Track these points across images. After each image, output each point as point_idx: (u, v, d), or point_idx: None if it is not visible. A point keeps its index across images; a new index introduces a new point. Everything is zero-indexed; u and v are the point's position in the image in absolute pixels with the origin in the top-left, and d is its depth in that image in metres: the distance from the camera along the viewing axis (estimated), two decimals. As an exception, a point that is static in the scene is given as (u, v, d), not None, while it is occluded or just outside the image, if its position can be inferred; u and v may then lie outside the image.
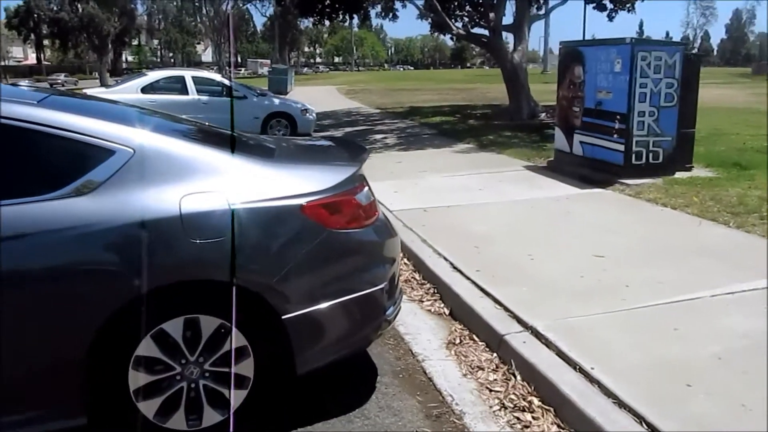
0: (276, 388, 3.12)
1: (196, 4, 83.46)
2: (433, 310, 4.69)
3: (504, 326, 4.03)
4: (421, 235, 6.04)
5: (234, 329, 2.85)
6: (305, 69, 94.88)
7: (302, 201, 2.92)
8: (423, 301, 4.83)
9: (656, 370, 3.41)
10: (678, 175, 8.34)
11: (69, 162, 2.75)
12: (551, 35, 64.37)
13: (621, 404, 3.10)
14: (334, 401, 3.38)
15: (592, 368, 3.41)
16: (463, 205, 7.28)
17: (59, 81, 53.80)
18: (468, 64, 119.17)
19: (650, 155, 8.24)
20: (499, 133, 13.58)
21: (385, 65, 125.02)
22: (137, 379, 2.77)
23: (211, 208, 2.77)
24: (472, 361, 3.87)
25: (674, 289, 4.48)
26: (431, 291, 5.01)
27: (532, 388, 3.48)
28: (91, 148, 2.74)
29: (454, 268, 5.14)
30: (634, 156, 8.19)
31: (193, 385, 2.88)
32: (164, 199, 2.73)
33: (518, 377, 3.60)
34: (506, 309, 4.26)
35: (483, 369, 3.76)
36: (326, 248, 2.97)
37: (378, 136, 14.41)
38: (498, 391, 3.52)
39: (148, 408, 2.81)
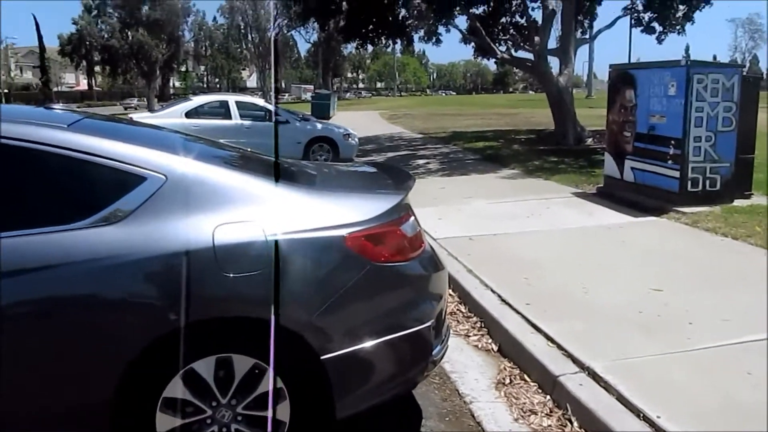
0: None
1: (242, 30, 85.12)
2: (480, 345, 4.42)
3: (558, 366, 3.75)
4: (467, 264, 5.79)
5: (270, 370, 2.65)
6: (348, 94, 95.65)
7: (345, 232, 2.72)
8: (469, 336, 4.57)
9: (729, 418, 3.09)
10: (737, 203, 7.94)
11: (97, 189, 2.61)
12: (595, 59, 63.52)
13: (693, 459, 2.80)
14: (377, 448, 3.15)
15: (658, 416, 3.11)
16: (510, 233, 7.01)
17: (132, 105, 55.90)
18: (510, 89, 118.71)
19: (707, 182, 7.87)
20: (544, 158, 13.27)
21: (428, 90, 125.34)
22: (165, 422, 2.58)
23: (247, 239, 2.59)
24: (524, 403, 3.59)
25: (743, 328, 4.14)
26: (478, 325, 4.74)
27: (591, 436, 3.20)
28: (120, 174, 2.59)
29: (503, 300, 4.87)
30: (690, 183, 7.82)
31: (224, 430, 2.68)
32: (198, 229, 2.56)
33: (575, 424, 3.31)
34: (560, 347, 3.98)
35: (536, 413, 3.48)
36: (369, 283, 2.75)
37: (421, 161, 14.23)
38: (554, 439, 3.24)
39: (177, 453, 2.62)
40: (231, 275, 2.52)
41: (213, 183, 2.70)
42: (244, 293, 2.56)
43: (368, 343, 2.75)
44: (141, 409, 2.55)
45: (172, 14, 63.23)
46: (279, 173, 2.99)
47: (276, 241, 2.59)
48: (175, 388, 2.57)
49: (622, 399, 3.32)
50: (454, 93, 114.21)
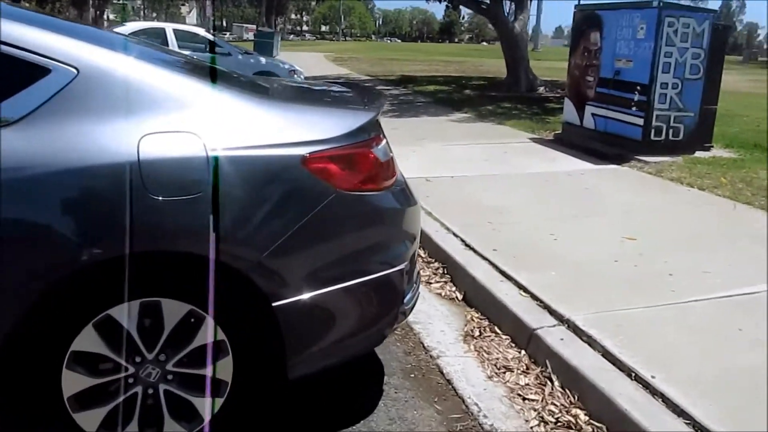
0: (260, 395, 2.40)
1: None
2: (443, 293, 4.00)
3: (534, 318, 3.36)
4: (425, 207, 5.31)
5: (209, 318, 2.13)
6: (291, 36, 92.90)
7: (304, 151, 2.19)
8: (431, 283, 4.14)
9: (733, 381, 2.76)
10: (698, 154, 7.69)
11: None
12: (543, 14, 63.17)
13: (697, 427, 2.45)
14: (333, 410, 2.69)
15: (653, 377, 2.74)
16: (469, 176, 6.57)
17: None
18: (456, 40, 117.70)
19: (670, 131, 7.58)
20: (497, 104, 12.82)
21: (373, 36, 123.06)
22: (74, 382, 2.05)
23: (181, 153, 2.03)
24: (497, 359, 3.20)
25: (727, 281, 3.83)
26: (440, 271, 4.31)
27: (575, 398, 2.82)
28: (15, 62, 1.97)
29: (467, 245, 4.44)
30: (653, 131, 7.53)
31: (150, 391, 2.16)
32: (118, 138, 1.98)
33: (556, 383, 2.93)
34: (534, 297, 3.59)
35: (511, 370, 3.09)
36: (334, 215, 2.24)
37: (369, 103, 13.60)
38: (533, 400, 2.85)
39: (89, 420, 2.10)
40: (160, 199, 1.97)
41: (140, 82, 2.10)
42: (177, 222, 2.01)
43: (329, 288, 2.25)
44: (41, 367, 2.01)
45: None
46: (217, 78, 2.40)
47: (217, 158, 2.04)
48: (87, 340, 2.03)
49: (608, 356, 2.95)
50: (399, 41, 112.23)
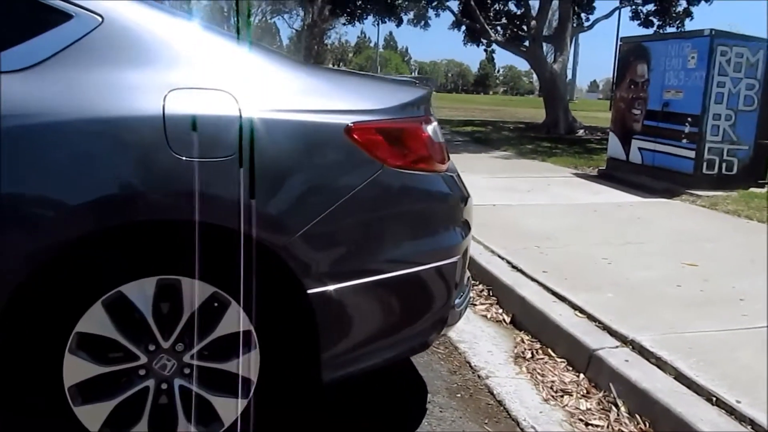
0: (289, 399, 2.09)
1: (225, 13, 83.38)
2: (489, 316, 3.67)
3: (594, 339, 3.01)
4: (468, 230, 5.03)
5: (238, 305, 1.86)
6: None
7: (348, 120, 1.93)
8: (476, 305, 3.81)
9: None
10: (752, 190, 7.28)
11: None
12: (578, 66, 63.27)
13: (796, 457, 2.08)
14: (371, 428, 2.37)
15: (738, 401, 2.38)
16: (512, 204, 6.27)
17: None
18: (491, 92, 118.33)
19: (723, 165, 7.22)
20: (537, 143, 12.57)
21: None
22: (77, 369, 1.77)
23: (211, 112, 1.79)
24: (552, 382, 2.85)
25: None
26: (485, 293, 3.99)
27: (647, 424, 2.46)
28: (34, 4, 1.77)
29: (514, 267, 4.12)
30: (705, 164, 7.17)
31: (164, 386, 1.88)
32: (142, 91, 1.75)
33: (623, 408, 2.58)
34: (591, 317, 3.25)
35: (570, 394, 2.74)
36: (381, 193, 1.97)
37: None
38: (598, 426, 2.50)
39: (92, 416, 1.81)
40: (183, 159, 1.72)
41: (170, 36, 1.89)
42: (202, 188, 1.75)
43: (374, 278, 1.96)
44: (40, 350, 1.74)
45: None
46: (261, 47, 2.17)
47: (252, 120, 1.80)
48: (95, 321, 1.76)
49: (683, 378, 2.60)
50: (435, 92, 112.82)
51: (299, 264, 1.85)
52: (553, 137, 13.94)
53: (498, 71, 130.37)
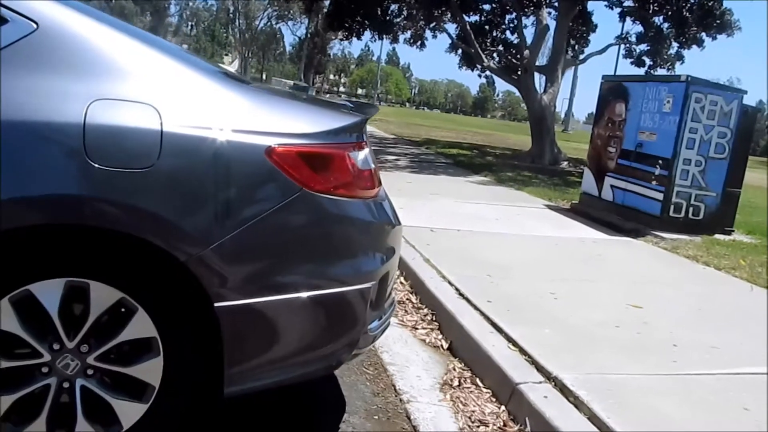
0: (189, 409, 2.13)
1: (230, 15, 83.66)
2: (428, 340, 3.72)
3: (519, 373, 3.07)
4: (424, 254, 5.10)
5: (142, 311, 1.91)
6: (327, 96, 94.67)
7: (272, 141, 1.99)
8: (417, 329, 3.87)
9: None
10: (717, 237, 7.39)
11: None
12: (576, 98, 63.77)
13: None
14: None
15: (643, 448, 2.44)
16: (476, 231, 6.34)
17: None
18: (489, 115, 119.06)
19: (690, 210, 7.32)
20: (518, 171, 12.68)
21: (407, 104, 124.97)
22: (-21, 362, 1.82)
23: (131, 123, 1.85)
24: (473, 411, 2.90)
25: (735, 359, 3.53)
26: (429, 318, 4.05)
27: (553, 462, 2.52)
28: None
29: (461, 295, 4.18)
30: (672, 207, 7.27)
31: (66, 385, 1.92)
32: (65, 98, 1.81)
33: (534, 443, 2.63)
34: (523, 351, 3.31)
35: (486, 425, 2.79)
36: (296, 216, 2.02)
37: (390, 157, 13.51)
38: (506, 460, 2.55)
39: (-9, 408, 1.86)
40: (98, 167, 1.77)
41: (100, 46, 1.94)
42: (117, 197, 1.81)
43: (282, 296, 2.02)
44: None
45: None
46: (187, 61, 2.22)
47: (173, 134, 1.86)
48: (1, 317, 1.81)
49: (595, 419, 2.65)
50: (436, 111, 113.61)
51: (207, 277, 1.91)
52: (535, 167, 14.05)
53: (497, 95, 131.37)
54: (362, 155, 2.25)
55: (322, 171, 2.08)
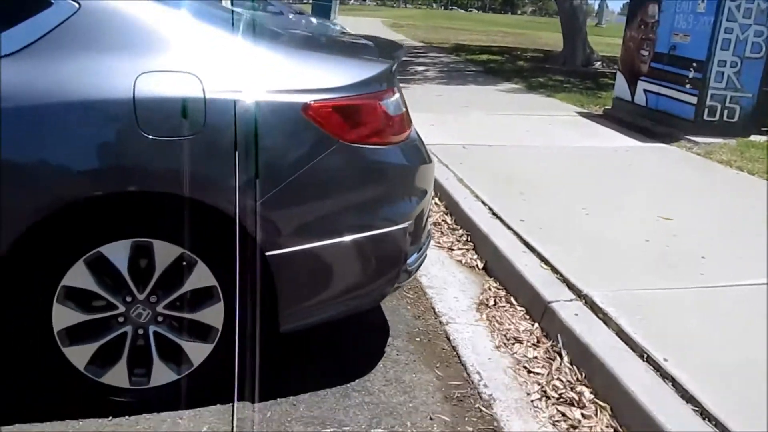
0: (251, 345, 2.37)
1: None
2: (464, 261, 3.91)
3: (551, 291, 3.25)
4: (458, 173, 5.22)
5: (201, 263, 2.11)
6: (352, 2, 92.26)
7: (307, 98, 2.12)
8: (453, 250, 4.06)
9: (752, 372, 2.61)
10: (753, 138, 7.33)
11: None
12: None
13: (703, 413, 2.33)
14: (328, 366, 2.65)
15: (666, 359, 2.62)
16: (507, 146, 6.42)
17: None
18: (519, 12, 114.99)
19: (725, 112, 7.24)
20: (549, 76, 12.50)
21: (434, 5, 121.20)
22: (64, 317, 2.06)
23: (177, 93, 1.99)
24: (508, 330, 3.11)
25: (763, 270, 3.64)
26: (464, 239, 4.22)
27: (583, 375, 2.72)
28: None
29: (494, 214, 4.33)
30: (706, 111, 7.19)
31: (140, 332, 2.16)
32: (114, 75, 1.95)
33: (565, 358, 2.84)
34: (554, 270, 3.47)
35: (521, 342, 3.00)
36: (335, 166, 2.17)
37: (419, 68, 13.40)
38: (539, 374, 2.76)
39: (78, 355, 2.11)
40: (151, 138, 1.93)
41: (141, 21, 2.06)
42: (170, 163, 1.98)
43: (326, 242, 2.20)
44: (31, 300, 2.02)
45: None
46: (230, 24, 2.33)
47: (215, 101, 2.00)
48: (79, 276, 2.03)
49: (622, 335, 2.84)
50: (462, 10, 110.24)
51: (258, 229, 2.09)
52: (567, 70, 13.80)
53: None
54: (393, 102, 2.37)
55: (355, 122, 2.21)
